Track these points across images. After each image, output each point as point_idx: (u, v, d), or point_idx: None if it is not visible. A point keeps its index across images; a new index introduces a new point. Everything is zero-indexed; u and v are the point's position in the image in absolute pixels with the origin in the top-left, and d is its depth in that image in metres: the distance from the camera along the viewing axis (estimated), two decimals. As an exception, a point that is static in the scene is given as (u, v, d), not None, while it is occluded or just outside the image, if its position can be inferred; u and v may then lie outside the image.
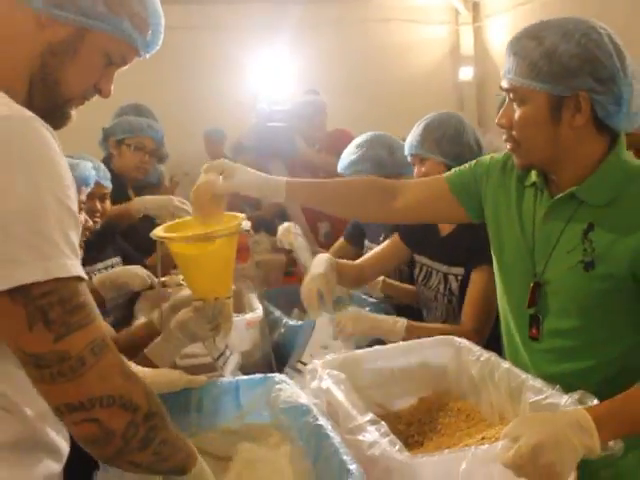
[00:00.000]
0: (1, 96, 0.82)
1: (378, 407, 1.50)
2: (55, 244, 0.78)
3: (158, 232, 1.41)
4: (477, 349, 1.43)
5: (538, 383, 1.22)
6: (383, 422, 1.10)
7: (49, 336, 0.78)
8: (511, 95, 1.24)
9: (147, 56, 0.98)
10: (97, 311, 0.84)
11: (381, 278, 2.10)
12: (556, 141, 1.22)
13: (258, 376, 1.37)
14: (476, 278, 1.67)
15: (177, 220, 1.58)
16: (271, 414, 1.30)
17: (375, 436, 1.05)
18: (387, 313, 2.01)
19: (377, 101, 5.59)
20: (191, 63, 4.97)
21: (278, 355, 1.90)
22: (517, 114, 1.23)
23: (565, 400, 1.12)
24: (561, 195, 1.27)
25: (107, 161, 2.58)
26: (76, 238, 0.82)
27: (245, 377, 1.38)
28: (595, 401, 1.09)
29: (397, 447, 1.00)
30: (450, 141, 1.73)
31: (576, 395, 1.11)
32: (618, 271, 1.18)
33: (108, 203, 2.08)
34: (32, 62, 0.89)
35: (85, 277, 0.83)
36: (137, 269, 1.98)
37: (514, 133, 1.26)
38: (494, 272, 1.46)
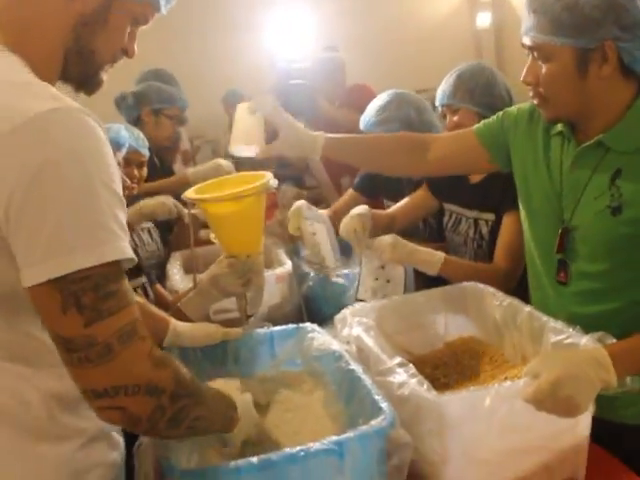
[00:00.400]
0: (46, 86, 0.85)
1: (405, 352, 1.56)
2: (109, 229, 0.81)
3: (189, 194, 1.47)
4: (500, 294, 1.48)
5: (559, 325, 1.27)
6: (411, 365, 1.17)
7: (80, 321, 0.79)
8: (535, 53, 1.24)
9: (164, 12, 1.01)
10: (131, 295, 0.85)
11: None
12: (584, 94, 1.22)
13: (291, 326, 1.44)
14: (508, 222, 1.71)
15: (208, 181, 1.64)
16: (304, 362, 1.37)
17: (404, 377, 1.12)
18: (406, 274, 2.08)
19: (392, 53, 5.50)
20: (205, 24, 4.92)
21: (307, 307, 1.96)
22: (543, 71, 1.24)
23: (585, 340, 1.17)
24: (588, 143, 1.28)
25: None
26: (124, 218, 0.85)
27: (279, 328, 1.45)
28: (614, 341, 1.14)
29: (425, 386, 1.07)
30: (483, 91, 1.75)
31: (596, 335, 1.16)
32: None
33: (145, 170, 2.13)
34: (66, 36, 0.92)
35: (133, 257, 0.85)
36: (164, 198, 2.04)
37: (541, 90, 1.27)
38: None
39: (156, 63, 3.16)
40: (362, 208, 1.80)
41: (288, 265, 1.98)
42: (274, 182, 1.49)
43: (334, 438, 0.95)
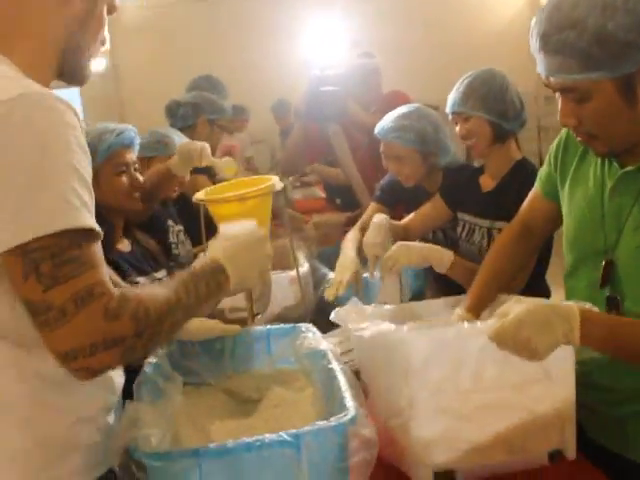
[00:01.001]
0: (21, 79, 0.91)
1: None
2: (65, 200, 0.85)
3: (199, 195, 1.54)
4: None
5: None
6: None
7: (39, 286, 0.84)
8: (569, 95, 1.13)
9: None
10: (95, 260, 0.88)
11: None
12: (637, 119, 1.11)
13: (287, 325, 1.49)
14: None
15: (220, 184, 1.71)
16: (296, 359, 1.42)
17: (375, 327, 1.20)
18: (426, 278, 2.10)
19: (437, 59, 5.44)
20: (244, 32, 5.03)
21: (321, 309, 2.00)
22: (586, 111, 1.12)
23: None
24: (631, 168, 1.17)
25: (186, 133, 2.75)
26: (85, 194, 0.89)
27: (275, 326, 1.50)
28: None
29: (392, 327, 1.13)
30: (495, 98, 1.74)
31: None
32: None
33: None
34: (60, 36, 0.98)
35: (92, 227, 0.89)
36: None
37: (587, 129, 1.16)
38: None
39: (198, 70, 3.29)
40: (381, 219, 1.89)
41: (304, 267, 2.02)
42: (279, 185, 1.55)
43: (291, 431, 0.98)
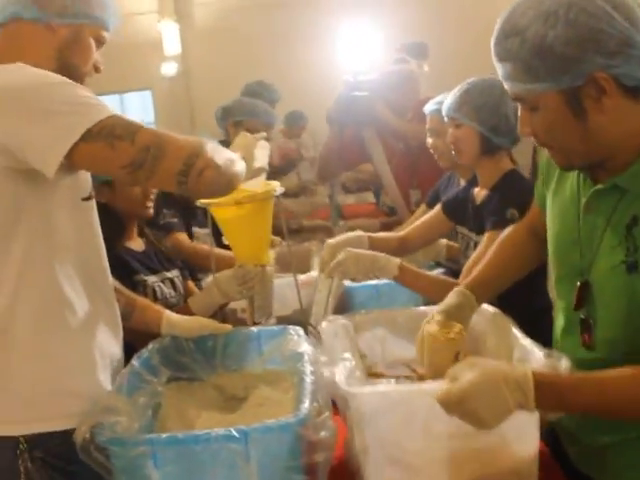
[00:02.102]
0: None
1: (405, 366, 1.60)
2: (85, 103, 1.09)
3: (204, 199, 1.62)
4: (501, 314, 1.47)
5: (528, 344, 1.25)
6: (353, 360, 1.24)
7: (127, 143, 1.06)
8: (521, 103, 1.10)
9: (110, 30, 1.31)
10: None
11: (444, 241, 2.15)
12: (591, 134, 1.05)
13: (278, 327, 1.54)
14: (489, 238, 1.65)
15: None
16: (282, 361, 1.47)
17: (340, 370, 1.19)
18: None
19: (479, 66, 5.33)
20: (308, 39, 5.08)
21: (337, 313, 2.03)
22: (536, 120, 1.08)
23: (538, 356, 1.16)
24: (602, 186, 1.11)
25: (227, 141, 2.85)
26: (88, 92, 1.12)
27: (267, 327, 1.56)
28: (567, 366, 1.08)
29: (346, 378, 1.14)
30: (490, 111, 1.70)
31: (553, 354, 1.13)
32: None
33: None
34: (52, 59, 1.22)
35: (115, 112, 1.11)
36: None
37: (541, 139, 1.12)
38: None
39: (270, 75, 3.39)
40: (352, 234, 1.84)
41: (314, 272, 2.06)
42: (280, 190, 1.61)
43: (240, 427, 1.04)
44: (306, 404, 1.10)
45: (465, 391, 0.98)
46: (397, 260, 1.63)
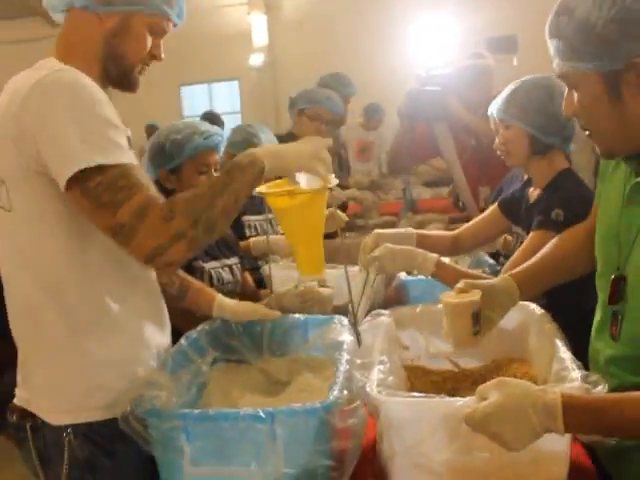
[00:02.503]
0: (70, 68, 1.17)
1: (450, 362, 1.60)
2: (102, 145, 1.10)
3: (261, 188, 1.67)
4: (548, 318, 1.45)
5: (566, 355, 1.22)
6: (388, 363, 1.25)
7: (108, 213, 1.09)
8: (565, 82, 1.13)
9: (179, 22, 1.30)
10: (142, 181, 1.12)
11: (503, 236, 2.11)
12: (626, 121, 1.06)
13: (325, 316, 1.58)
14: (532, 238, 1.63)
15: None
16: (325, 348, 1.50)
17: (374, 375, 1.20)
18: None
19: None
20: (362, 32, 5.04)
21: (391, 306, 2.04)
22: (577, 101, 1.11)
23: (575, 375, 1.13)
24: (638, 179, 1.12)
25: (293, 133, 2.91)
26: (119, 137, 1.13)
27: (313, 316, 1.59)
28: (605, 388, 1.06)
29: (375, 383, 1.15)
30: (536, 110, 1.66)
31: (591, 377, 1.09)
32: None
33: None
34: (101, 47, 1.24)
35: (133, 162, 1.13)
36: None
37: (581, 122, 1.15)
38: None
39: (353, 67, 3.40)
40: (402, 230, 1.86)
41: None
42: (334, 181, 1.63)
43: (268, 409, 1.08)
44: (335, 392, 1.13)
45: (489, 414, 0.97)
46: (435, 257, 1.63)
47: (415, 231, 1.85)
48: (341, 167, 4.16)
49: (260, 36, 8.91)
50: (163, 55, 1.31)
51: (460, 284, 1.32)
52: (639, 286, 1.11)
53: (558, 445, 1.09)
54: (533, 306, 1.53)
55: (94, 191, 1.09)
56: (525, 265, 1.45)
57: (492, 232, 1.99)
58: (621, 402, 1.00)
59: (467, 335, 1.24)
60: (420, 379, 1.55)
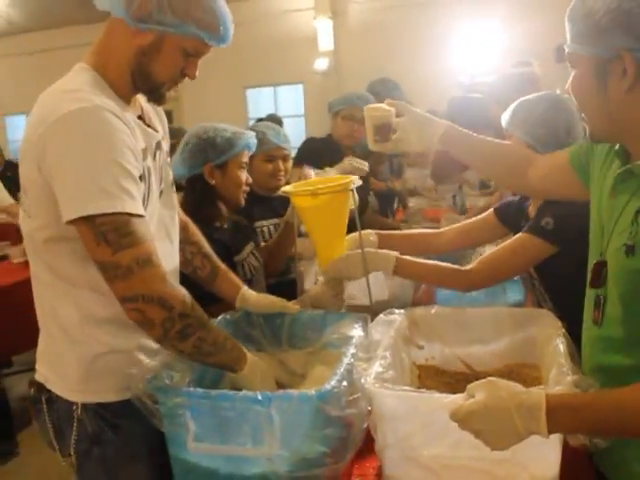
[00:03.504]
0: (90, 93, 1.20)
1: (462, 363, 1.63)
2: (111, 191, 1.14)
3: (286, 188, 1.75)
4: (559, 324, 1.46)
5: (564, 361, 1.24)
6: (390, 359, 1.29)
7: (109, 250, 1.14)
8: (569, 62, 1.18)
9: (223, 46, 1.29)
10: (148, 237, 1.18)
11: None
12: (609, 108, 1.12)
13: (342, 313, 1.63)
14: (516, 239, 1.66)
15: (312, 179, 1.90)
16: (339, 343, 1.55)
17: (373, 368, 1.25)
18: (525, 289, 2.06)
19: None
20: (425, 39, 5.01)
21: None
22: (570, 81, 1.18)
23: (571, 378, 1.13)
24: (620, 170, 1.17)
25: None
26: (131, 185, 1.17)
27: (331, 312, 1.64)
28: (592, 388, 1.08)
29: (372, 375, 1.19)
30: (535, 122, 1.68)
31: (584, 380, 1.11)
32: None
33: (290, 163, 2.45)
34: (131, 61, 1.25)
35: (140, 213, 1.18)
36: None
37: (577, 103, 1.21)
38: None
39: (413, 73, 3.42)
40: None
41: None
42: (358, 182, 1.68)
43: (266, 393, 1.14)
44: (333, 382, 1.18)
45: (473, 412, 1.01)
46: (393, 255, 1.68)
47: (373, 231, 1.89)
48: (392, 171, 4.18)
49: (325, 41, 9.02)
50: (197, 73, 1.30)
51: (387, 100, 1.60)
52: (616, 270, 1.16)
53: (549, 443, 1.09)
54: (547, 313, 1.55)
55: (99, 228, 1.13)
56: None
57: (485, 236, 1.98)
58: (597, 399, 1.02)
59: (371, 140, 1.61)
60: (432, 379, 1.58)
